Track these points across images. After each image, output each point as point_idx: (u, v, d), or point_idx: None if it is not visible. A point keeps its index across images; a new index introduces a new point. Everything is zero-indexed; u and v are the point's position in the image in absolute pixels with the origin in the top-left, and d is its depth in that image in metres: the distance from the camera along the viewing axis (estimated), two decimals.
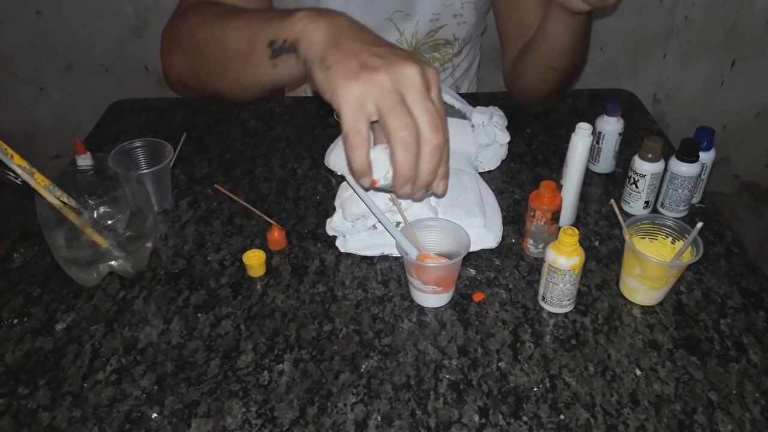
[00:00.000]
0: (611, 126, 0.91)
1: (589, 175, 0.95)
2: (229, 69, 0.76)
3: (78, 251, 0.76)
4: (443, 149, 0.62)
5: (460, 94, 1.08)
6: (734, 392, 0.64)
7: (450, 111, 0.97)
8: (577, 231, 0.68)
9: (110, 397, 0.65)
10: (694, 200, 0.87)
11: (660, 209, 0.87)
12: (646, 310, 0.74)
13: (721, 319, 0.72)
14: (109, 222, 0.76)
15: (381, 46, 0.63)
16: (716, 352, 0.69)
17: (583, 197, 0.89)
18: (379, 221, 0.73)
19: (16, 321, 0.73)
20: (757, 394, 0.64)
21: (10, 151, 0.69)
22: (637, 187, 0.84)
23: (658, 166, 0.83)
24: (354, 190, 0.71)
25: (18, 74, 1.93)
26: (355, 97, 0.58)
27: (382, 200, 0.76)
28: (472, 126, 0.94)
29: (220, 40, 0.75)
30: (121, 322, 0.73)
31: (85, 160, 0.96)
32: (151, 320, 0.73)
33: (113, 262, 0.76)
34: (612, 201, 0.73)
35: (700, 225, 0.66)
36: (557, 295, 0.71)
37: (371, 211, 0.72)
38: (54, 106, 1.97)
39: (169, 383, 0.66)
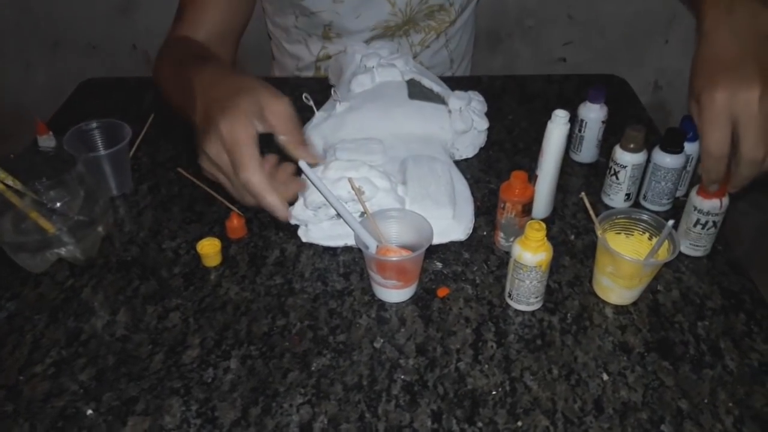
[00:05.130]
0: (594, 113, 0.86)
1: (569, 165, 0.91)
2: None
3: (25, 236, 0.72)
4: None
5: (444, 78, 1.03)
6: (706, 401, 0.60)
7: (428, 95, 0.93)
8: (544, 225, 0.64)
9: (46, 392, 0.62)
10: (679, 193, 0.82)
11: (642, 202, 0.82)
12: (619, 309, 0.69)
13: (699, 322, 0.68)
14: (58, 205, 0.73)
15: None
16: (690, 357, 0.64)
17: (562, 188, 0.84)
18: (336, 211, 0.69)
19: None
20: (730, 404, 0.60)
21: None
22: (617, 178, 0.80)
23: (639, 157, 0.78)
24: (308, 177, 0.66)
25: (3, 51, 1.89)
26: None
27: (343, 189, 0.72)
28: (449, 111, 0.90)
29: (174, 105, 0.80)
30: (67, 311, 0.70)
31: (47, 141, 0.93)
32: (97, 310, 0.70)
33: (62, 249, 0.73)
34: (582, 194, 0.68)
35: (671, 223, 0.62)
36: (524, 292, 0.67)
37: (327, 200, 0.68)
38: (41, 84, 1.93)
39: (108, 378, 0.63)
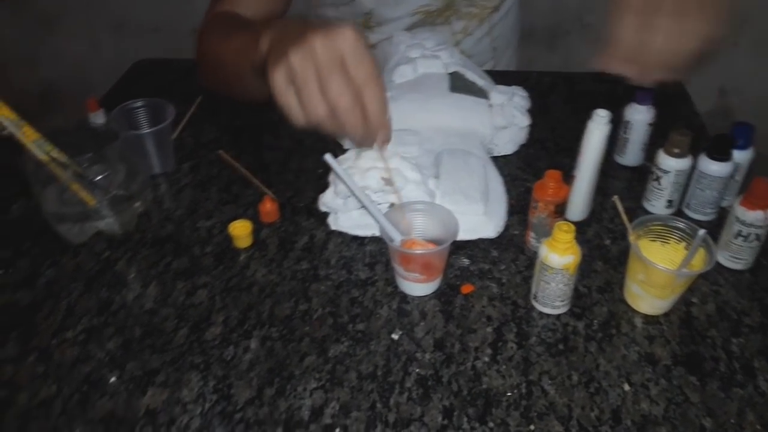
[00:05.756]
0: (640, 115, 0.83)
1: (612, 167, 0.88)
2: (240, 87, 0.80)
3: (67, 207, 0.75)
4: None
5: (488, 72, 1.02)
6: (732, 421, 0.57)
7: (471, 88, 0.92)
8: (573, 227, 0.62)
9: (75, 357, 0.64)
10: (725, 203, 0.78)
11: (685, 210, 0.79)
12: (649, 319, 0.67)
13: (733, 338, 0.65)
14: (98, 178, 0.76)
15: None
16: (720, 374, 0.61)
17: (602, 191, 0.82)
18: (360, 201, 0.69)
19: (1, 272, 0.74)
20: (758, 426, 0.57)
21: None
22: (659, 184, 0.77)
23: (684, 163, 0.75)
24: (333, 169, 0.67)
25: (72, 30, 1.98)
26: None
27: (373, 179, 0.72)
28: (490, 106, 0.88)
29: (225, 65, 0.79)
30: (101, 282, 0.73)
31: (97, 117, 0.97)
32: (130, 283, 0.72)
33: (101, 222, 0.76)
34: (615, 197, 0.66)
35: (703, 232, 0.59)
36: (549, 294, 0.66)
37: (350, 190, 0.68)
38: (105, 63, 2.00)
39: (134, 348, 0.65)
